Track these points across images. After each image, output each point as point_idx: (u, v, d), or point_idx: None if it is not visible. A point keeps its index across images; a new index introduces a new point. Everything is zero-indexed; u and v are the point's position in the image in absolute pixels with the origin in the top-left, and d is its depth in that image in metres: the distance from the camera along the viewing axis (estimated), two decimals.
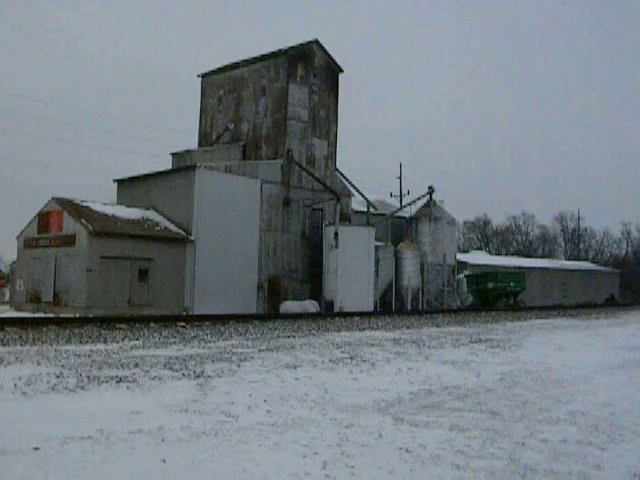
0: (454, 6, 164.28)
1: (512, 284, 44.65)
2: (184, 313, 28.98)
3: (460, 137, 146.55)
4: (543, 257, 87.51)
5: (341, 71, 38.27)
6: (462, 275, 44.14)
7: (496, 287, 43.92)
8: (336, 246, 33.42)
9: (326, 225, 34.68)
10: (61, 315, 24.75)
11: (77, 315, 24.75)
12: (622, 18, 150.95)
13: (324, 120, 37.36)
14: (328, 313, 29.30)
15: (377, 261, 35.31)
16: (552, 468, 5.95)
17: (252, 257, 33.36)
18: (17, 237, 32.59)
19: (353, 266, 33.35)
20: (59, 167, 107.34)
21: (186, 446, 6.06)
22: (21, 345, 12.63)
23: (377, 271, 35.20)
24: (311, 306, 32.04)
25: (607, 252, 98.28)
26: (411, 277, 37.59)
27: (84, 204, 30.85)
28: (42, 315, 24.33)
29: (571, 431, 7.45)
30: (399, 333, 18.48)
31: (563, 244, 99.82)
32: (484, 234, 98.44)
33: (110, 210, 31.32)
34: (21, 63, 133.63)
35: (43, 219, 30.95)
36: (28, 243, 31.67)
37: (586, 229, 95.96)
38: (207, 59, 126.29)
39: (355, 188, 39.17)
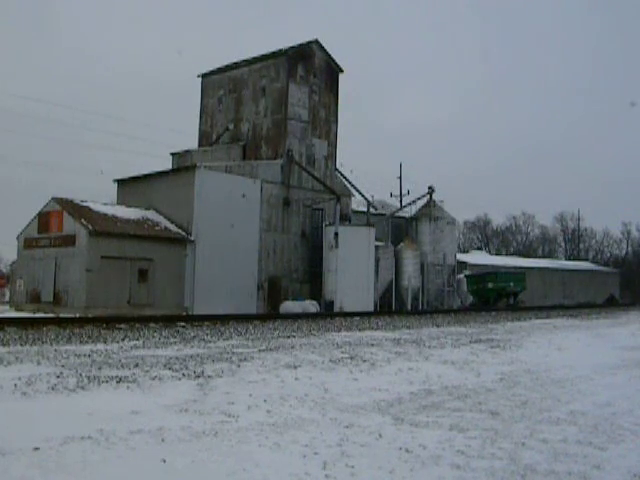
0: (454, 6, 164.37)
1: (512, 284, 44.63)
2: (184, 313, 28.97)
3: (460, 137, 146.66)
4: (543, 257, 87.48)
5: (341, 71, 38.28)
6: (462, 275, 44.15)
7: (496, 287, 43.90)
8: (336, 246, 33.42)
9: (326, 225, 34.68)
10: (61, 315, 24.74)
11: (77, 315, 24.74)
12: (624, 20, 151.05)
13: (324, 120, 37.36)
14: (328, 313, 29.30)
15: (377, 261, 35.30)
16: (552, 468, 5.95)
17: (252, 257, 33.37)
18: (17, 237, 32.59)
19: (353, 266, 33.35)
20: (59, 167, 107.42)
21: (186, 446, 6.06)
22: (21, 345, 12.62)
23: (377, 271, 35.20)
24: (311, 306, 32.04)
25: (607, 252, 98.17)
26: (411, 277, 37.58)
27: (84, 204, 30.85)
28: (42, 315, 24.32)
29: (571, 431, 7.45)
30: (399, 333, 18.48)
31: (563, 244, 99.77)
32: (484, 234, 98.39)
33: (110, 210, 31.33)
34: (21, 63, 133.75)
35: (43, 219, 30.95)
36: (28, 243, 31.66)
37: (586, 229, 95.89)
38: (207, 59, 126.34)
39: (355, 188, 39.18)
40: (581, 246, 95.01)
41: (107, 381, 8.76)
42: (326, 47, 37.48)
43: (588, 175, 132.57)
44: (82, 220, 28.71)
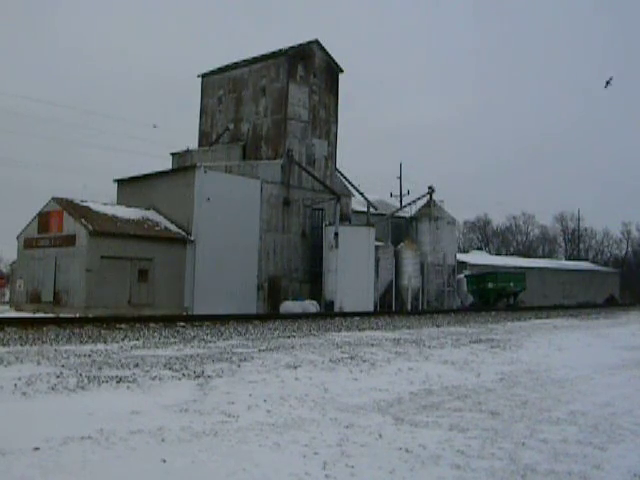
0: (454, 6, 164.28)
1: (512, 284, 44.63)
2: (184, 313, 28.97)
3: (460, 137, 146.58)
4: (543, 257, 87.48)
5: (341, 71, 38.27)
6: (462, 275, 44.12)
7: (496, 287, 43.89)
8: (336, 246, 33.42)
9: (326, 225, 34.68)
10: (61, 315, 24.74)
11: (77, 315, 24.74)
12: (625, 21, 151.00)
13: (324, 120, 37.36)
14: (328, 313, 29.29)
15: (377, 261, 35.30)
16: (552, 468, 5.96)
17: (252, 257, 33.36)
18: (17, 237, 32.58)
19: (353, 266, 33.34)
20: (59, 167, 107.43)
21: (186, 446, 6.07)
22: (21, 345, 12.62)
23: (377, 271, 35.20)
24: (311, 306, 32.03)
25: (607, 252, 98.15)
26: (411, 277, 37.58)
27: (84, 204, 30.84)
28: (42, 315, 24.32)
29: (571, 431, 7.45)
30: (399, 333, 18.48)
31: (563, 244, 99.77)
32: (484, 234, 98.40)
33: (110, 210, 31.32)
34: (21, 63, 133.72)
35: (43, 219, 30.94)
36: (28, 243, 31.66)
37: (586, 229, 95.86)
38: (207, 59, 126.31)
39: (355, 188, 39.18)
40: (581, 246, 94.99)
41: (107, 381, 8.77)
42: (326, 47, 37.49)
43: (588, 175, 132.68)
44: (82, 220, 28.70)
